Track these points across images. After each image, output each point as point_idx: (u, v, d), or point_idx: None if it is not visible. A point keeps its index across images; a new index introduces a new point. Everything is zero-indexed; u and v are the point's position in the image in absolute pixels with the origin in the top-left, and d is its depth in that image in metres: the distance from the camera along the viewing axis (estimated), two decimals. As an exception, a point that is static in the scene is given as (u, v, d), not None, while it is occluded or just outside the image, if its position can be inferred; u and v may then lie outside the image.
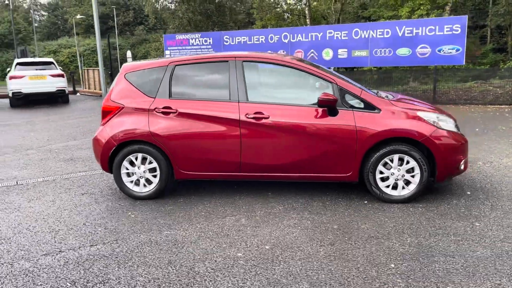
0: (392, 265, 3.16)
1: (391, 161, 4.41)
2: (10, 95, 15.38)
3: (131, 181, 4.75)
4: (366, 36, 13.13)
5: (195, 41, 16.03)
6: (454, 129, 4.54)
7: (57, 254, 3.47)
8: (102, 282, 3.01)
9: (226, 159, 4.57)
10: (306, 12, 24.08)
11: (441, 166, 4.39)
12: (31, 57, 28.02)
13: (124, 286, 2.96)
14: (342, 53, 13.56)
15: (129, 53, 26.03)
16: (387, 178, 4.46)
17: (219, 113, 4.53)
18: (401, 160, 4.40)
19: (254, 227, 3.92)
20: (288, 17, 24.92)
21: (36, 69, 15.83)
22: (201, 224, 4.03)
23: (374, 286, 2.89)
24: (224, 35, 15.66)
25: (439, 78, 13.57)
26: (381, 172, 4.44)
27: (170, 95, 4.67)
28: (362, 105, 4.43)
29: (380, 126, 4.34)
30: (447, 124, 4.53)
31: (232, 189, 5.01)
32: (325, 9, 24.87)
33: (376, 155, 4.39)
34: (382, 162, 4.41)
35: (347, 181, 4.55)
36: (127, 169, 4.72)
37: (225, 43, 15.41)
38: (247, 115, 4.47)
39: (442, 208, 4.29)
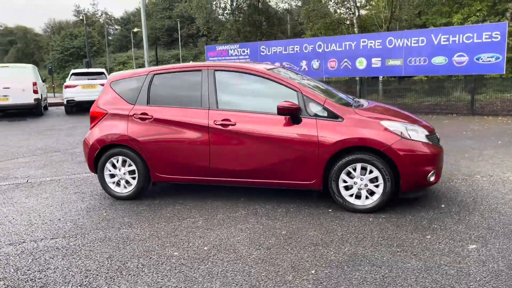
0: (313, 272, 3.18)
1: (354, 170, 4.37)
2: (65, 102, 16.72)
3: (113, 182, 5.09)
4: (401, 44, 12.79)
5: (234, 51, 16.46)
6: (424, 140, 4.41)
7: (19, 244, 3.85)
8: (40, 270, 3.32)
9: (197, 163, 4.77)
10: (354, 21, 23.77)
11: (405, 177, 4.29)
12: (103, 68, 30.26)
13: (57, 275, 3.24)
14: (376, 62, 13.30)
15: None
16: (351, 187, 4.43)
17: (190, 119, 4.75)
18: (364, 169, 4.35)
19: (206, 229, 4.07)
20: (337, 26, 24.75)
21: (88, 79, 17.07)
22: (159, 224, 4.25)
23: (282, 289, 2.94)
24: (260, 45, 15.94)
25: (480, 88, 12.88)
26: (344, 181, 4.42)
27: (148, 102, 4.97)
28: (325, 114, 4.45)
29: (341, 134, 4.34)
30: (417, 134, 4.41)
31: (209, 193, 5.19)
32: (374, 18, 24.40)
33: (338, 164, 4.39)
34: (345, 171, 4.39)
35: (311, 188, 4.57)
36: (109, 170, 5.07)
37: (261, 53, 15.68)
38: (215, 122, 4.65)
39: (405, 219, 4.18)
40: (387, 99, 14.59)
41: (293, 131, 4.45)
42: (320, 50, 14.37)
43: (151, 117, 4.88)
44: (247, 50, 16.13)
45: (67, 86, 16.74)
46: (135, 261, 3.43)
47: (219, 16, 24.78)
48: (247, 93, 4.88)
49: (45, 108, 18.38)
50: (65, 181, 6.07)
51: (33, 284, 3.11)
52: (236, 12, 24.76)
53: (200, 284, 3.04)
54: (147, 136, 4.87)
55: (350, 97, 5.50)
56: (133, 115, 4.95)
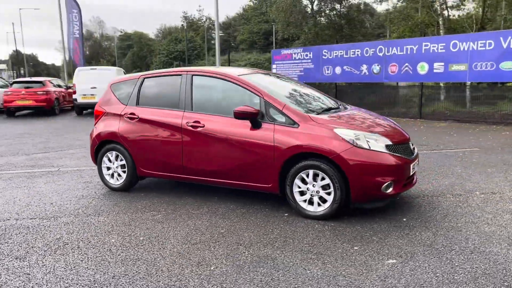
0: (212, 268, 3.35)
1: (307, 176, 4.39)
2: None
3: (109, 174, 5.67)
4: (466, 48, 11.88)
5: (297, 55, 16.57)
6: (383, 149, 4.27)
7: (4, 220, 4.55)
8: (4, 242, 3.93)
9: (173, 161, 5.14)
10: (440, 22, 22.35)
11: (355, 186, 4.20)
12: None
13: (13, 246, 3.82)
14: (438, 67, 12.49)
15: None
16: (305, 193, 4.45)
17: (169, 120, 5.13)
18: (317, 176, 4.35)
19: (158, 223, 4.41)
20: (423, 28, 23.47)
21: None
22: (125, 214, 4.69)
23: (160, 278, 3.16)
24: (323, 49, 15.84)
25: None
26: (299, 186, 4.45)
27: (137, 103, 5.46)
28: (283, 119, 4.52)
29: (295, 140, 4.38)
30: (376, 143, 4.28)
31: (193, 191, 5.51)
32: (464, 19, 22.69)
33: (293, 169, 4.44)
34: (299, 176, 4.43)
35: (269, 192, 4.67)
36: (106, 163, 5.66)
37: (323, 57, 15.59)
38: (187, 123, 4.97)
39: (350, 229, 4.11)
40: (477, 105, 13.34)
41: (252, 135, 4.59)
42: (381, 54, 13.89)
43: (137, 117, 5.36)
44: (310, 54, 16.13)
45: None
46: (74, 243, 3.89)
47: (300, 19, 24.92)
48: (218, 97, 5.12)
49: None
50: (85, 171, 6.83)
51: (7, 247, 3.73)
52: (317, 16, 24.69)
53: (102, 263, 3.39)
54: (134, 134, 5.35)
55: (339, 103, 5.45)
56: (124, 114, 5.47)
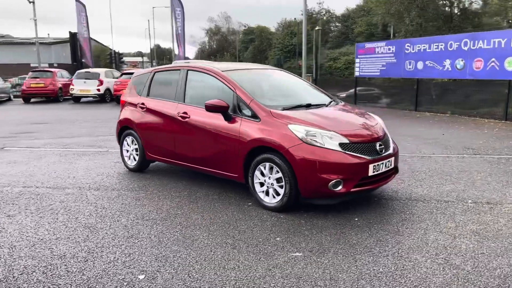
0: (137, 241, 3.81)
1: (265, 168, 4.58)
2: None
3: (127, 156, 6.46)
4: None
5: (380, 49, 15.94)
6: (335, 147, 4.27)
7: (29, 187, 5.57)
8: (13, 204, 4.89)
9: (168, 148, 5.70)
10: None
11: (302, 181, 4.29)
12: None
13: (12, 207, 4.75)
14: (529, 62, 11.09)
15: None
16: (264, 184, 4.65)
17: (166, 110, 5.68)
18: (272, 169, 4.52)
19: (136, 200, 5.01)
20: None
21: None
22: (116, 191, 5.38)
23: (100, 234, 3.72)
24: (405, 43, 15.00)
25: None
26: (259, 178, 4.67)
27: (147, 95, 6.12)
28: (250, 114, 4.76)
29: (255, 134, 4.61)
30: (330, 141, 4.30)
31: (194, 176, 6.02)
32: None
33: (254, 161, 4.66)
34: (259, 168, 4.64)
35: (237, 181, 4.95)
36: (125, 146, 6.46)
37: (406, 51, 14.78)
38: (178, 114, 5.47)
39: (294, 223, 4.22)
40: None
41: (223, 127, 4.92)
42: (465, 48, 12.75)
43: (145, 107, 6.02)
44: (392, 47, 15.43)
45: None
46: (59, 208, 4.68)
47: (401, 11, 23.53)
48: (204, 90, 5.48)
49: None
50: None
51: (7, 207, 4.69)
52: (419, 6, 23.02)
53: (71, 232, 4.08)
54: (143, 122, 6.04)
55: (328, 101, 5.46)
56: (137, 104, 6.19)
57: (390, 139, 4.99)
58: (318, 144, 4.29)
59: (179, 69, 5.79)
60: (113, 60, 45.31)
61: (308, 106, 5.09)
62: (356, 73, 17.69)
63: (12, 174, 6.28)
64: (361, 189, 4.43)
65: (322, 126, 4.46)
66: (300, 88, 5.69)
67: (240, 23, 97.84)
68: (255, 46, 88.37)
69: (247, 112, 4.79)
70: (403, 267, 3.27)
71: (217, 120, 5.01)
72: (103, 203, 4.89)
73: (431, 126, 11.40)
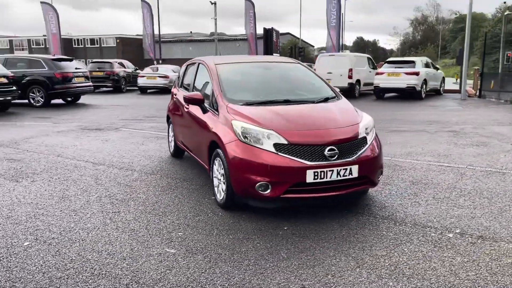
0: (88, 215, 4.30)
1: (215, 164, 4.54)
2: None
3: (169, 142, 7.06)
4: None
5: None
6: (269, 148, 3.95)
7: (71, 160, 6.67)
8: (44, 172, 6.01)
9: (179, 136, 6.10)
10: None
11: (233, 180, 4.12)
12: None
13: (59, 172, 5.84)
14: None
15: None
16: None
17: (180, 99, 6.01)
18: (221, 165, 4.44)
19: (134, 181, 5.52)
20: None
21: (396, 67, 17.83)
22: (131, 171, 6.01)
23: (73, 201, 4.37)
24: None
25: None
26: (215, 173, 4.63)
27: (180, 86, 6.55)
28: (215, 107, 4.74)
29: (212, 128, 4.61)
30: (267, 140, 4.00)
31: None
32: None
33: (212, 155, 4.64)
34: (214, 163, 4.60)
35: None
36: (169, 134, 7.06)
37: None
38: (185, 104, 5.76)
39: (224, 221, 4.12)
40: None
41: (200, 119, 5.03)
42: None
43: (174, 97, 6.48)
44: None
45: (377, 73, 18.26)
46: (69, 180, 5.54)
47: None
48: (203, 83, 5.56)
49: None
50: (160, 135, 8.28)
51: (34, 175, 5.84)
52: None
53: (46, 197, 4.88)
54: (171, 110, 6.55)
55: (328, 96, 5.02)
56: (172, 94, 6.70)
57: (370, 146, 4.26)
58: (252, 142, 4.04)
59: (195, 62, 6.05)
60: (293, 53, 47.57)
61: (286, 102, 4.75)
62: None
63: (87, 148, 7.54)
64: (295, 196, 3.98)
65: (263, 124, 4.14)
66: (297, 83, 5.31)
67: (451, 11, 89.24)
68: (463, 36, 79.03)
69: (215, 105, 4.78)
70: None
71: (199, 112, 5.13)
72: (104, 182, 5.56)
73: None
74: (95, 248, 3.51)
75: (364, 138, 4.27)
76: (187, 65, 6.57)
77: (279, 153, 3.93)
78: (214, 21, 32.72)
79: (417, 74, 17.21)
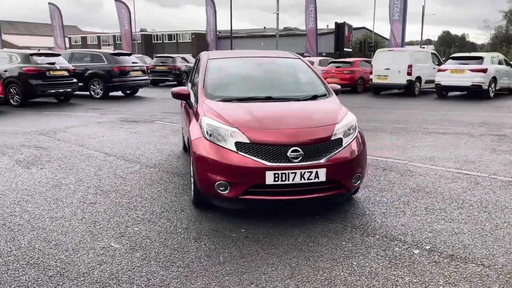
0: (65, 205, 4.50)
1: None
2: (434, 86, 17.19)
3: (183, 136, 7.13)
4: None
5: None
6: (229, 147, 3.82)
7: (87, 149, 6.97)
8: (57, 158, 6.35)
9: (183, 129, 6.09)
10: None
11: (197, 177, 4.04)
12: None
13: (74, 160, 6.17)
14: None
15: None
16: (196, 176, 4.54)
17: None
18: (196, 161, 4.38)
19: (131, 173, 5.66)
20: None
21: (460, 63, 16.50)
22: (140, 166, 6.16)
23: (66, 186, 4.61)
24: None
25: None
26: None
27: (190, 80, 6.57)
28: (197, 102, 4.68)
29: (189, 122, 4.57)
30: (230, 138, 3.86)
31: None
32: None
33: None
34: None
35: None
36: (182, 128, 7.14)
37: None
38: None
39: (188, 221, 4.07)
40: None
41: (185, 114, 5.04)
42: None
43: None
44: None
45: (439, 70, 17.02)
46: (68, 167, 5.80)
47: None
48: (197, 78, 5.48)
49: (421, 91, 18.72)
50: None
51: (47, 164, 6.20)
52: None
53: (39, 184, 5.15)
54: (180, 106, 6.57)
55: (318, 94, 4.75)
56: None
57: (347, 149, 3.95)
58: (216, 140, 3.92)
59: (199, 57, 6.02)
60: (362, 48, 46.26)
61: (268, 99, 4.56)
62: None
63: (111, 140, 7.84)
64: (254, 198, 3.80)
65: (229, 121, 4.00)
66: (287, 80, 5.07)
67: None
68: None
69: (194, 101, 4.73)
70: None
71: (187, 108, 5.12)
72: (109, 172, 5.74)
73: None
74: (47, 237, 3.62)
75: (339, 140, 3.96)
76: (196, 60, 6.56)
77: (239, 152, 3.77)
78: (281, 16, 32.54)
79: (484, 71, 15.76)
